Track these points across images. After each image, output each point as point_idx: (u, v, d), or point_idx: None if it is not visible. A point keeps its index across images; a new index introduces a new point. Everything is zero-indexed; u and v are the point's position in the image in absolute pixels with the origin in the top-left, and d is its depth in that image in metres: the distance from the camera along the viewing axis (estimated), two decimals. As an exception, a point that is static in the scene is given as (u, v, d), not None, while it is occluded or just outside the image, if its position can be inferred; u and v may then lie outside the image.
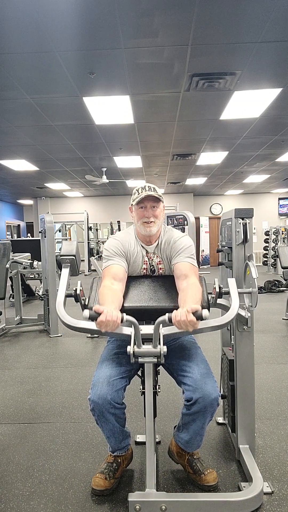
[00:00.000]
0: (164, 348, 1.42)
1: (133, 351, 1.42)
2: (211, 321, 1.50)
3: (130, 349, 1.41)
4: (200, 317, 1.36)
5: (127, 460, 1.81)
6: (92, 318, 1.39)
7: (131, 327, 1.46)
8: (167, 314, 1.40)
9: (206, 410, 1.54)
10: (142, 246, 1.79)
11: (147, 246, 1.79)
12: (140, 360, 1.45)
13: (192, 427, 1.61)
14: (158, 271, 1.79)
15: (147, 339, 1.48)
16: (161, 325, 1.44)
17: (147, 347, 1.44)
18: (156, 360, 1.45)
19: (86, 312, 1.40)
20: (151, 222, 1.71)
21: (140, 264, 1.78)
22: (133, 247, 1.78)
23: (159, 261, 1.78)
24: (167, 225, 1.90)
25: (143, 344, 1.46)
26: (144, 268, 1.79)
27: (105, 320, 1.37)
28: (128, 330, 1.47)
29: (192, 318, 1.35)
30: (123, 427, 1.67)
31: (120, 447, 1.73)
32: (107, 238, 1.87)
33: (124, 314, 1.42)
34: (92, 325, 1.48)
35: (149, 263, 1.78)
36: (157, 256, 1.78)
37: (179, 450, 1.77)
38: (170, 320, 1.39)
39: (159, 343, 1.43)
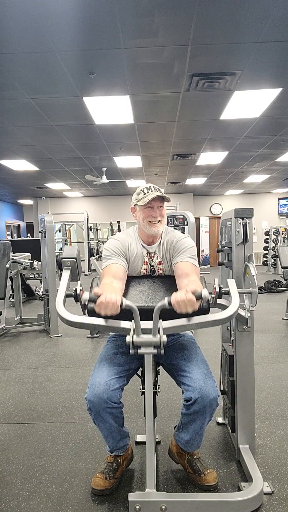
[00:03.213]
0: (164, 338, 1.40)
1: (132, 341, 1.40)
2: (211, 316, 1.48)
3: (129, 338, 1.40)
4: (199, 297, 1.35)
5: (127, 460, 1.81)
6: (92, 300, 1.37)
7: (131, 316, 1.44)
8: (166, 297, 1.39)
9: (205, 410, 1.54)
10: (142, 246, 1.79)
11: (148, 246, 1.79)
12: (140, 351, 1.43)
13: (191, 427, 1.61)
14: (158, 271, 1.80)
15: (146, 334, 1.47)
16: (160, 320, 1.42)
17: (146, 337, 1.43)
18: (155, 351, 1.43)
19: (86, 294, 1.38)
20: (158, 221, 1.73)
21: (140, 264, 1.78)
22: (134, 247, 1.78)
23: (160, 261, 1.79)
24: (167, 225, 1.91)
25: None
26: (144, 269, 1.79)
27: (105, 301, 1.36)
28: (127, 324, 1.45)
29: (191, 297, 1.34)
30: (121, 426, 1.67)
31: (118, 446, 1.72)
32: (107, 238, 1.88)
33: (124, 298, 1.40)
34: (91, 320, 1.47)
35: (149, 263, 1.79)
36: (157, 257, 1.79)
37: (179, 450, 1.77)
38: (169, 304, 1.37)
39: (159, 332, 1.41)
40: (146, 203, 1.71)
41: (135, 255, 1.77)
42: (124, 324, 1.46)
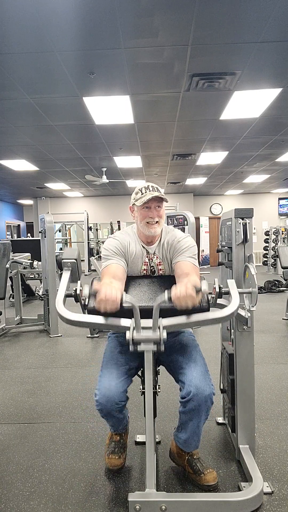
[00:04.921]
0: (164, 334, 1.39)
1: (132, 337, 1.40)
2: (211, 314, 1.49)
3: (128, 335, 1.39)
4: (199, 290, 1.34)
5: (127, 434, 1.93)
6: (92, 295, 1.36)
7: (131, 314, 1.44)
8: (166, 291, 1.37)
9: (200, 408, 1.55)
10: (142, 246, 1.78)
11: (148, 247, 1.78)
12: (139, 348, 1.43)
13: (189, 426, 1.63)
14: (158, 272, 1.79)
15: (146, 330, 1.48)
16: (160, 318, 1.42)
17: (146, 333, 1.43)
18: (155, 347, 1.43)
19: (86, 289, 1.36)
20: (156, 222, 1.70)
21: (140, 264, 1.78)
22: (133, 247, 1.77)
23: (159, 262, 1.78)
24: (167, 225, 1.90)
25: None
26: (144, 269, 1.78)
27: (104, 298, 1.36)
28: (127, 322, 1.44)
29: (191, 293, 1.33)
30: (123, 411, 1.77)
31: (122, 426, 1.84)
32: (107, 238, 1.86)
33: (124, 292, 1.40)
34: (91, 318, 1.47)
35: (149, 264, 1.78)
36: (157, 257, 1.78)
37: (179, 451, 1.77)
38: (169, 299, 1.36)
39: (159, 328, 1.41)
40: (143, 203, 1.68)
41: (134, 255, 1.77)
42: (124, 322, 1.45)
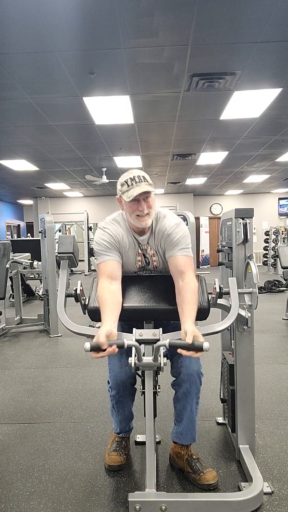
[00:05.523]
0: (164, 360, 1.44)
1: (134, 363, 1.44)
2: (210, 327, 1.55)
3: (131, 360, 1.43)
4: (200, 349, 1.34)
5: (129, 441, 2.00)
6: (93, 349, 1.38)
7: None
8: (168, 340, 1.42)
9: (191, 388, 1.66)
10: (134, 237, 1.71)
11: (140, 237, 1.70)
12: (141, 368, 1.51)
13: (183, 415, 1.72)
14: (153, 263, 1.75)
15: (147, 343, 1.52)
16: (161, 348, 1.45)
17: (147, 359, 1.46)
18: (155, 368, 1.50)
19: (87, 345, 1.37)
20: (146, 214, 1.63)
21: (134, 256, 1.73)
22: (125, 239, 1.70)
23: (153, 254, 1.73)
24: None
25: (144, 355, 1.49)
26: (139, 260, 1.74)
27: (106, 354, 1.38)
28: (129, 338, 1.47)
29: (193, 354, 1.36)
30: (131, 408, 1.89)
31: (126, 429, 1.93)
32: (97, 228, 1.81)
33: (125, 340, 1.42)
34: (92, 331, 1.57)
35: (143, 255, 1.73)
36: (150, 248, 1.72)
37: (178, 450, 1.78)
38: (170, 346, 1.41)
39: (160, 356, 1.45)
40: (132, 198, 1.60)
41: (128, 247, 1.70)
42: (128, 342, 1.45)
